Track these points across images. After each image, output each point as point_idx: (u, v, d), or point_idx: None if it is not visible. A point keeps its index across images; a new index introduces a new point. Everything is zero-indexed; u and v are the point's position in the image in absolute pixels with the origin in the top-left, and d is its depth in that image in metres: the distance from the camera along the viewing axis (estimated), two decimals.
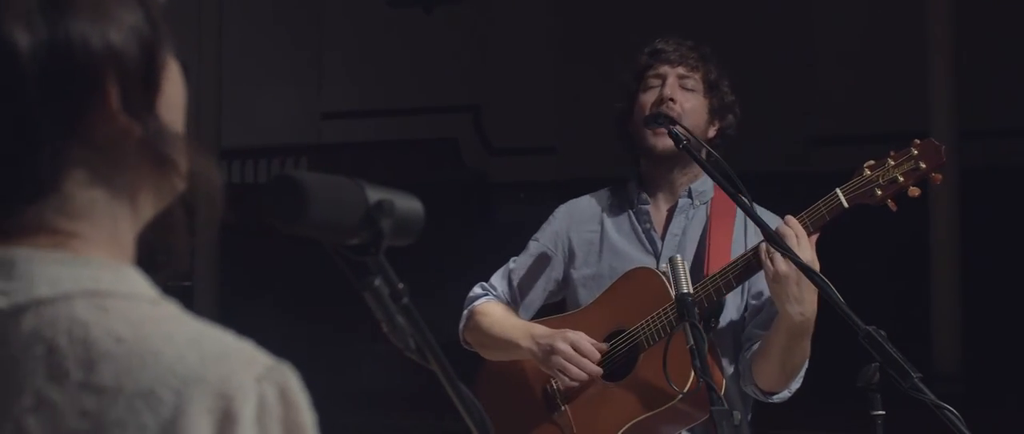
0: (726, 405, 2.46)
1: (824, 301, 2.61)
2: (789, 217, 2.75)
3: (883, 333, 2.44)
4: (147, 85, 1.04)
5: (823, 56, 12.98)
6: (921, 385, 2.33)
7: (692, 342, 2.53)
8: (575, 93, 13.50)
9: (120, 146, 1.02)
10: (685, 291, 2.60)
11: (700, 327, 2.54)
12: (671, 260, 2.67)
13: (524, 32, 14.41)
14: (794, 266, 2.65)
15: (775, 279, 2.70)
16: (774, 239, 2.68)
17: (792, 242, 2.69)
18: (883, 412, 2.55)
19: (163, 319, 0.99)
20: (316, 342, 10.85)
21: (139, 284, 1.02)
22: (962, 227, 10.08)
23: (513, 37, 14.52)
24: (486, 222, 13.58)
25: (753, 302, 2.96)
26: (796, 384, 2.89)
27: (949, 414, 2.28)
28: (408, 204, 1.27)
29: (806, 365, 2.86)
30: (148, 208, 1.06)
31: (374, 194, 1.24)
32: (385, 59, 14.91)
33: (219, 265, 11.08)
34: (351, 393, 10.13)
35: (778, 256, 2.69)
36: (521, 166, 14.36)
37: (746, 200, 2.71)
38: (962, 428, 2.27)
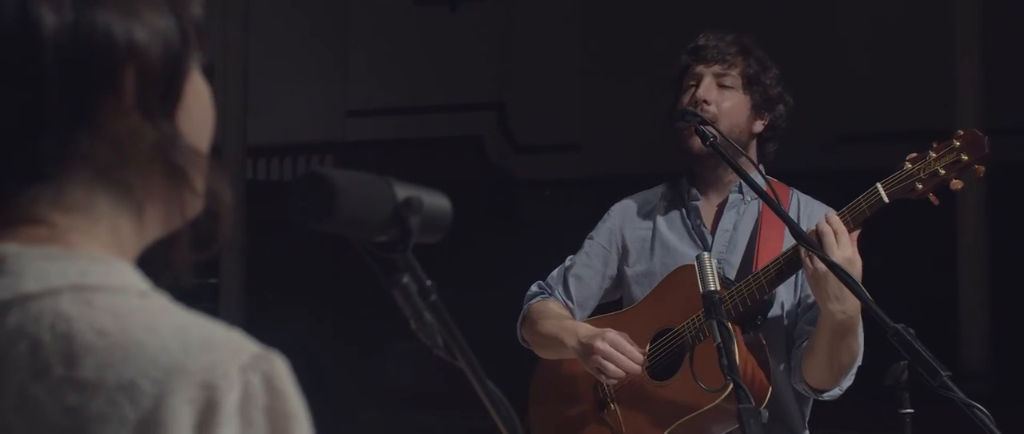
0: (753, 403, 2.46)
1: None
2: (830, 213, 2.73)
3: (912, 331, 2.43)
4: (167, 90, 1.03)
5: (849, 53, 12.93)
6: (950, 383, 2.31)
7: (719, 340, 2.52)
8: (600, 90, 13.50)
9: (130, 146, 1.01)
10: (711, 288, 2.59)
11: (727, 325, 2.54)
12: (698, 257, 2.66)
13: (548, 29, 14.40)
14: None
15: (813, 277, 2.68)
16: (804, 238, 2.66)
17: (831, 240, 2.66)
18: (912, 410, 2.53)
19: (150, 310, 0.98)
20: (343, 339, 10.87)
21: (129, 277, 1.01)
22: (989, 224, 10.02)
23: (537, 34, 14.51)
24: (510, 219, 13.59)
25: (805, 297, 2.95)
26: (847, 382, 2.86)
27: (979, 413, 2.27)
28: (436, 201, 1.27)
29: (858, 363, 2.83)
30: (156, 219, 1.05)
31: (402, 191, 1.24)
32: (410, 57, 14.93)
33: (245, 262, 11.12)
34: (378, 390, 10.15)
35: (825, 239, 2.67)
36: (545, 163, 14.35)
37: (773, 199, 2.70)
38: (992, 427, 2.26)
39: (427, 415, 9.42)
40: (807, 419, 3.01)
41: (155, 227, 1.05)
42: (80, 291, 0.97)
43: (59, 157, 0.99)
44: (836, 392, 2.87)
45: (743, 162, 2.92)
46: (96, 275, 0.98)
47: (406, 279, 1.27)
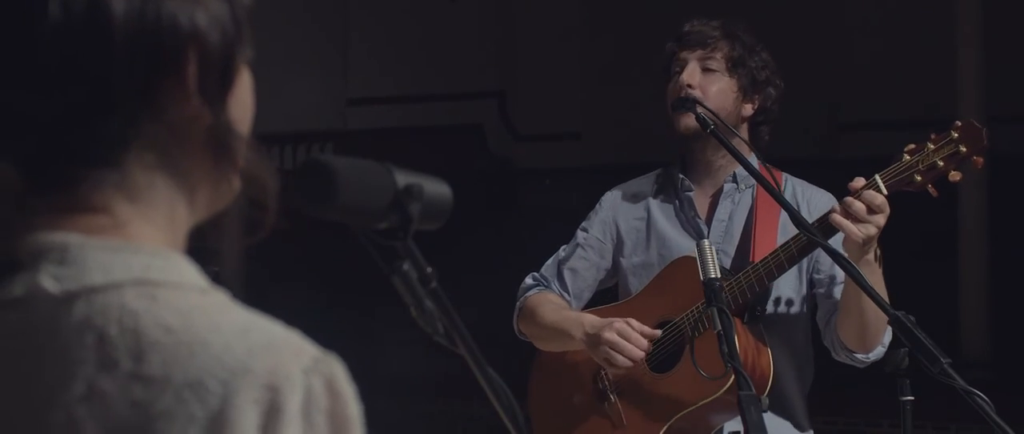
0: (754, 391, 2.46)
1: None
2: (848, 199, 2.72)
3: (912, 318, 2.43)
4: (223, 76, 1.04)
5: (851, 41, 12.90)
6: (950, 371, 2.32)
7: (719, 327, 2.52)
8: (601, 79, 13.47)
9: (189, 131, 1.03)
10: (712, 276, 2.59)
11: (728, 312, 2.54)
12: (698, 245, 2.66)
13: (549, 17, 14.37)
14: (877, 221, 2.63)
15: (853, 242, 2.68)
16: (803, 224, 2.66)
17: (864, 213, 2.66)
18: (912, 398, 2.54)
19: (211, 309, 0.99)
20: (342, 327, 10.86)
21: (189, 273, 1.02)
22: (990, 213, 10.01)
23: (538, 23, 14.48)
24: (511, 207, 13.58)
25: (819, 271, 2.94)
26: (888, 337, 2.84)
27: (979, 400, 2.27)
28: (436, 188, 1.27)
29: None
30: (204, 203, 1.07)
31: (403, 178, 1.24)
32: (410, 45, 14.90)
33: (245, 251, 11.09)
34: (378, 379, 10.14)
35: (861, 210, 2.67)
36: (547, 152, 14.33)
37: (773, 185, 2.70)
38: (992, 414, 2.26)
39: (427, 402, 9.42)
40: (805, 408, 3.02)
41: (201, 207, 1.07)
42: (143, 286, 0.98)
43: (124, 142, 1.00)
44: (880, 350, 2.86)
45: (739, 146, 2.93)
46: (158, 270, 1.00)
47: (407, 266, 1.27)
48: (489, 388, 1.38)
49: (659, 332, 2.91)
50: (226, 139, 1.04)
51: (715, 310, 2.54)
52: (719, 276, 2.61)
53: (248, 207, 1.08)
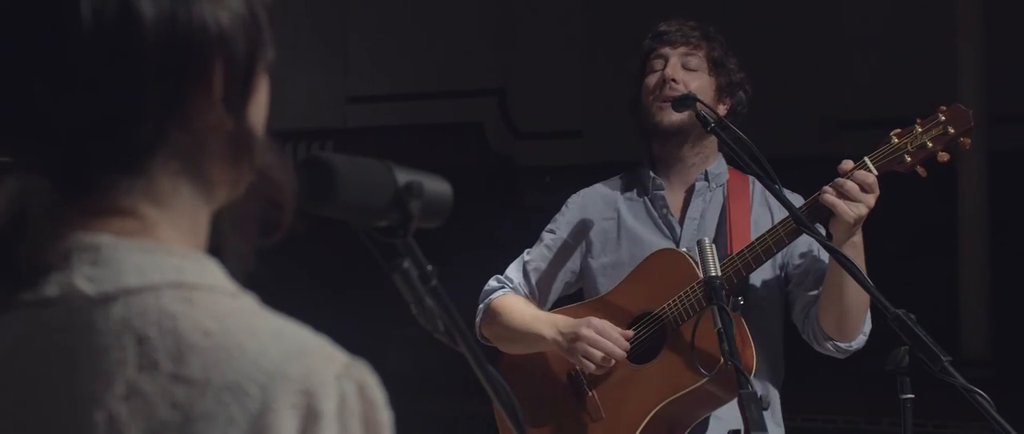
0: (753, 388, 2.46)
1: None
2: (840, 179, 2.73)
3: (912, 316, 2.43)
4: (246, 82, 1.04)
5: (849, 38, 12.90)
6: (951, 369, 2.32)
7: (720, 325, 2.52)
8: (602, 77, 13.44)
9: (212, 138, 1.03)
10: (713, 274, 2.59)
11: (728, 310, 2.54)
12: (699, 243, 2.66)
13: (550, 15, 14.38)
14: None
15: (842, 222, 2.69)
16: (801, 221, 2.66)
17: (857, 192, 2.67)
18: (912, 396, 2.54)
19: (244, 313, 1.00)
20: (343, 324, 10.85)
21: (219, 277, 1.03)
22: (990, 211, 10.02)
23: (539, 20, 14.49)
24: (511, 205, 13.58)
25: (795, 266, 2.94)
26: (868, 325, 2.87)
27: (979, 398, 2.27)
28: (437, 186, 1.27)
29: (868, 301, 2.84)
30: (221, 204, 1.07)
31: (403, 176, 1.24)
32: (410, 43, 14.90)
33: (257, 250, 11.07)
34: (379, 377, 10.14)
35: (853, 189, 2.68)
36: (547, 150, 14.33)
37: (771, 179, 2.70)
38: (993, 412, 2.26)
39: (428, 400, 9.42)
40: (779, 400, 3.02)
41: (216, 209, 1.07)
42: (179, 288, 0.99)
43: (152, 149, 1.00)
44: (861, 339, 2.86)
45: (718, 143, 2.95)
46: (192, 273, 1.00)
47: (407, 264, 1.27)
48: (489, 385, 1.38)
49: (631, 332, 2.89)
50: (246, 144, 1.05)
51: (716, 308, 2.54)
52: (719, 274, 2.60)
53: (265, 207, 1.08)
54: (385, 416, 0.99)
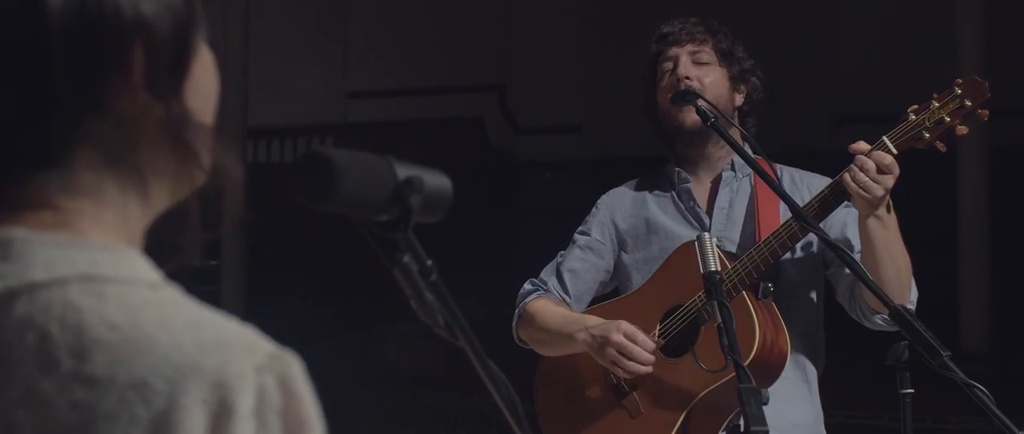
0: (754, 383, 2.46)
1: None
2: (860, 158, 2.73)
3: (912, 310, 2.43)
4: (175, 66, 0.99)
5: (850, 34, 12.90)
6: (950, 363, 2.31)
7: (719, 320, 2.52)
8: (601, 71, 13.48)
9: (138, 125, 0.98)
10: (713, 269, 2.59)
11: (728, 305, 2.54)
12: (698, 237, 2.66)
13: (550, 10, 14.38)
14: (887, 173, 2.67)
15: (861, 195, 2.70)
16: (800, 213, 2.67)
17: (874, 173, 2.68)
18: (912, 390, 2.54)
19: (163, 305, 0.94)
20: (343, 320, 10.87)
21: (140, 267, 0.97)
22: (991, 205, 10.02)
23: (539, 15, 14.50)
24: (511, 200, 13.59)
25: (822, 251, 2.94)
26: (914, 293, 2.86)
27: (979, 392, 2.27)
28: (437, 180, 1.27)
29: (910, 266, 2.83)
30: (163, 197, 1.02)
31: (403, 170, 1.23)
32: (411, 38, 14.91)
33: (246, 245, 11.12)
34: (378, 373, 10.15)
35: (871, 169, 2.68)
36: (547, 145, 14.35)
37: (773, 176, 2.70)
38: (992, 406, 2.26)
39: (428, 396, 9.43)
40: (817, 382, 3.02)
41: (161, 201, 1.02)
42: (90, 281, 0.93)
43: (68, 140, 0.96)
44: (909, 309, 2.86)
45: (736, 135, 2.95)
46: (106, 265, 0.95)
47: (407, 258, 1.27)
48: (490, 381, 1.38)
49: (659, 336, 2.91)
50: (182, 131, 0.99)
51: (716, 303, 2.54)
52: (719, 269, 2.61)
53: (215, 197, 1.03)
54: (311, 411, 0.92)
